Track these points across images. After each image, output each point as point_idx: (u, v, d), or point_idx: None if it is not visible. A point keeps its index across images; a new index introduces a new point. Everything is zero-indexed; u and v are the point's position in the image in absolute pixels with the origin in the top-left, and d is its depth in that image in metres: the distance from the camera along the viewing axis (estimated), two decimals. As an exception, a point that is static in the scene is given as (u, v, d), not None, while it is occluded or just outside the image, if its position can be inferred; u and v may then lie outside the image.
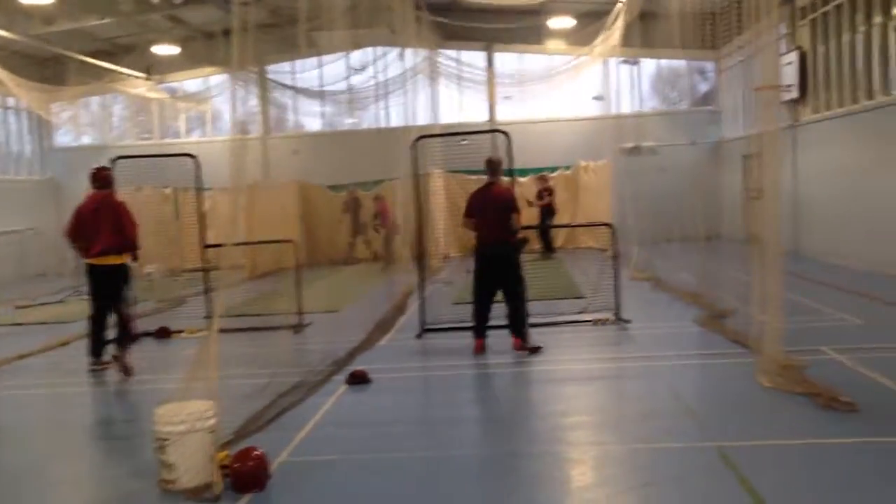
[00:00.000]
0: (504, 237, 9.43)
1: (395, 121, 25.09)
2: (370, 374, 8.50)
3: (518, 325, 9.40)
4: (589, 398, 7.83)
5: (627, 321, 10.90)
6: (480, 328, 9.68)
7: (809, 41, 17.51)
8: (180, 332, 11.97)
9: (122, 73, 23.74)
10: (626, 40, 23.91)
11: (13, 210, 23.43)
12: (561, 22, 23.12)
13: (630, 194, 23.35)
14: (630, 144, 25.26)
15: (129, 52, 23.87)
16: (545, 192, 21.51)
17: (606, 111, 23.79)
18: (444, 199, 22.81)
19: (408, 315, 12.48)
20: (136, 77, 24.38)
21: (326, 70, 24.92)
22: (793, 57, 17.88)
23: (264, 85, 25.57)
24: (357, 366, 9.13)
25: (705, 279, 12.56)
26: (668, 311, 12.04)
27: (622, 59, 25.49)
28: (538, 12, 23.23)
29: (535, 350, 9.35)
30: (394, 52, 24.17)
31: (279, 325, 11.81)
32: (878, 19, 14.69)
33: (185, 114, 26.15)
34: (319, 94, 25.09)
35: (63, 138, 27.27)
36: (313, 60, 24.85)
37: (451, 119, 25.85)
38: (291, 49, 23.63)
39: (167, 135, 26.80)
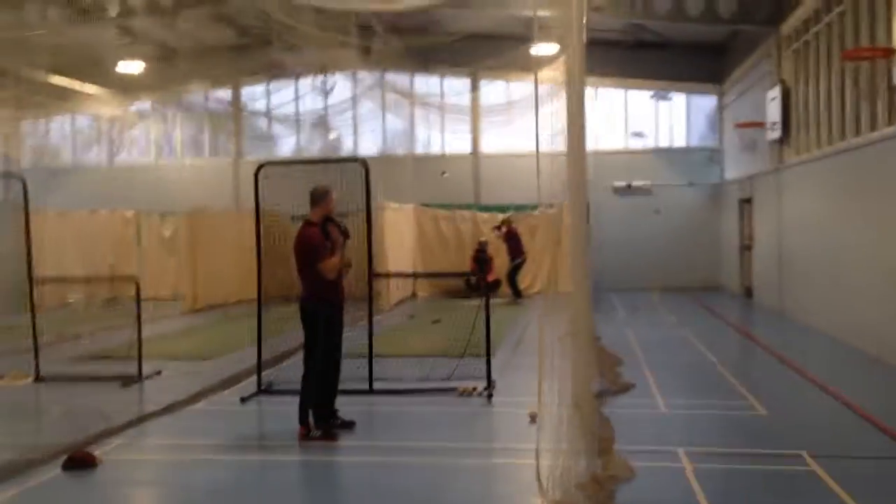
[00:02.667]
0: (303, 291, 7.73)
1: (370, 149, 23.82)
2: (100, 456, 6.85)
3: (300, 406, 7.52)
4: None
5: (490, 395, 9.03)
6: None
7: (793, 74, 15.40)
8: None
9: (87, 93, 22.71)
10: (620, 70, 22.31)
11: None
12: (544, 49, 21.35)
13: (606, 238, 21.51)
14: (622, 183, 23.33)
15: (95, 68, 22.78)
16: (507, 234, 20.18)
17: (595, 146, 21.95)
18: (413, 234, 21.12)
19: (281, 368, 10.54)
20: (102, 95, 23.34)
21: (297, 92, 23.66)
22: (776, 92, 15.76)
23: (238, 106, 24.40)
24: (136, 436, 7.71)
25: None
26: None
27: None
28: (523, 39, 21.59)
29: (326, 437, 7.43)
30: (369, 77, 22.96)
31: (115, 376, 10.29)
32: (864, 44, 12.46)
33: (153, 135, 25.04)
34: (291, 119, 23.78)
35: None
36: (287, 83, 23.62)
37: (434, 149, 24.50)
38: (260, 71, 22.54)
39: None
